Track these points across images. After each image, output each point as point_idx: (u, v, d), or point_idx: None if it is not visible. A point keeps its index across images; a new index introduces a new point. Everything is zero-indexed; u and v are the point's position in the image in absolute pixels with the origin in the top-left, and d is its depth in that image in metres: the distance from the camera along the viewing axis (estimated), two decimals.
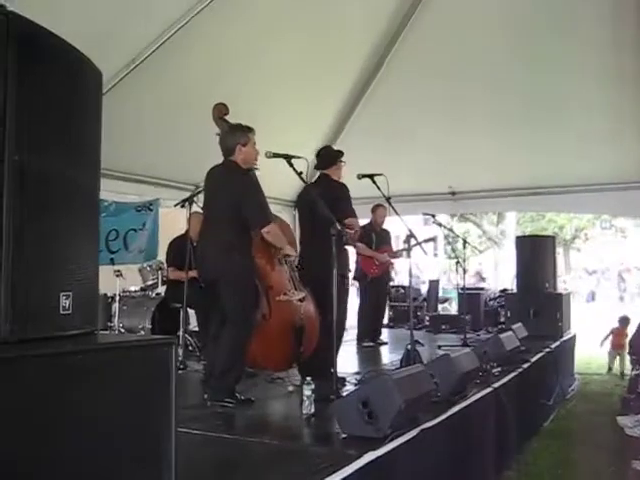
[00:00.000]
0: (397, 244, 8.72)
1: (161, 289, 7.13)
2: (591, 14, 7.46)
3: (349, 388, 4.70)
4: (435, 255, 34.84)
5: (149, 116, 6.98)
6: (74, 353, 1.64)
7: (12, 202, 1.65)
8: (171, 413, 1.87)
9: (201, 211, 5.81)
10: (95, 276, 2.00)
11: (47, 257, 1.76)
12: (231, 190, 4.31)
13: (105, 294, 7.11)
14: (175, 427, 1.88)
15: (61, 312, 1.78)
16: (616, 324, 9.34)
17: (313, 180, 5.47)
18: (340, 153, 5.55)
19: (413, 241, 5.59)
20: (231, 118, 4.90)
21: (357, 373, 5.60)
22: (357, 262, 8.08)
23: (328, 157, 5.47)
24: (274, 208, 7.22)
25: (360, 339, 8.03)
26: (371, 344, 7.97)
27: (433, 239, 7.74)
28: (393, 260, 8.48)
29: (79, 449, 1.64)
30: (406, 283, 10.29)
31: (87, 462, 1.65)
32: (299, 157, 4.36)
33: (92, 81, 1.96)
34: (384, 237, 8.36)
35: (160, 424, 1.85)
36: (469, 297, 9.45)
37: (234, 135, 4.46)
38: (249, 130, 4.48)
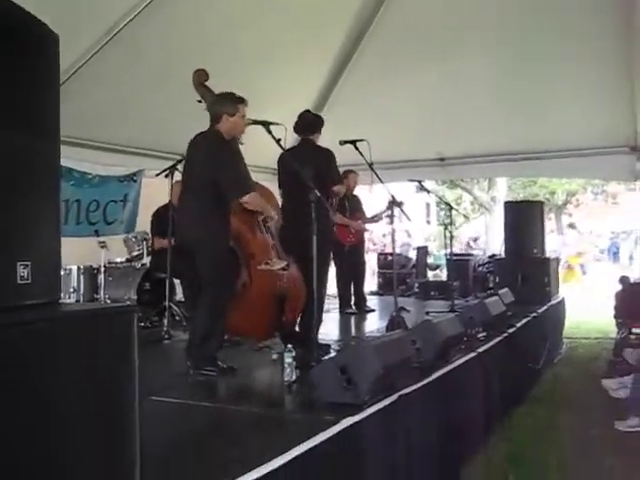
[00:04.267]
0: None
1: (147, 260, 7.12)
2: None
3: (333, 355, 4.74)
4: (428, 222, 34.92)
5: (132, 85, 6.87)
6: (30, 322, 1.63)
7: None
8: (134, 383, 1.87)
9: None
10: (57, 246, 1.98)
11: (3, 227, 1.74)
12: (209, 158, 4.29)
13: (90, 266, 7.09)
14: (138, 397, 1.88)
15: (19, 282, 1.76)
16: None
17: (295, 145, 5.43)
18: (322, 119, 5.52)
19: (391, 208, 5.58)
20: (212, 86, 4.85)
21: (341, 340, 5.64)
22: None
23: (313, 122, 5.42)
24: (259, 177, 7.20)
25: (342, 307, 8.06)
26: (354, 311, 8.01)
27: (399, 204, 7.61)
28: (367, 227, 8.46)
29: (34, 419, 1.64)
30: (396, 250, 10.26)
31: (41, 433, 1.65)
32: (277, 123, 4.34)
33: (45, 43, 1.92)
34: (356, 204, 8.31)
35: (123, 394, 1.85)
36: (458, 263, 9.48)
37: (222, 103, 4.42)
38: (240, 101, 4.42)
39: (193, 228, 4.32)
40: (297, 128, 5.31)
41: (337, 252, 8.11)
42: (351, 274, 8.19)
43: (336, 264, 8.17)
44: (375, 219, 8.34)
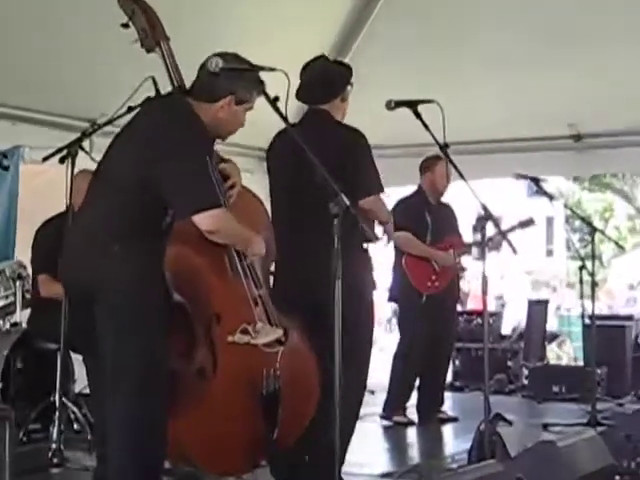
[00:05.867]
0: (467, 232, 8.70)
1: (22, 315, 7.15)
2: None
3: None
4: (549, 253, 34.90)
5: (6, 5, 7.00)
6: None
7: None
8: None
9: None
10: None
11: None
12: (153, 144, 4.35)
13: None
14: None
15: None
16: None
17: (299, 120, 5.48)
18: (348, 71, 5.57)
19: (490, 227, 5.57)
20: (175, 18, 4.92)
21: (387, 475, 5.66)
22: (399, 268, 8.14)
23: (326, 81, 5.47)
24: (241, 162, 7.28)
25: (389, 409, 8.13)
26: (408, 420, 8.11)
27: (529, 222, 7.59)
28: (465, 262, 8.56)
29: None
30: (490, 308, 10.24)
31: None
32: (273, 69, 4.36)
33: None
34: (446, 218, 8.46)
35: None
36: (605, 333, 9.43)
37: (232, 79, 4.48)
38: (260, 84, 4.52)
39: (93, 257, 4.36)
40: (302, 89, 5.35)
41: (406, 306, 8.17)
42: (425, 352, 8.25)
43: (403, 328, 8.20)
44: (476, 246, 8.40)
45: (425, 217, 8.04)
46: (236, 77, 4.47)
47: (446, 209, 8.49)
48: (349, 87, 5.51)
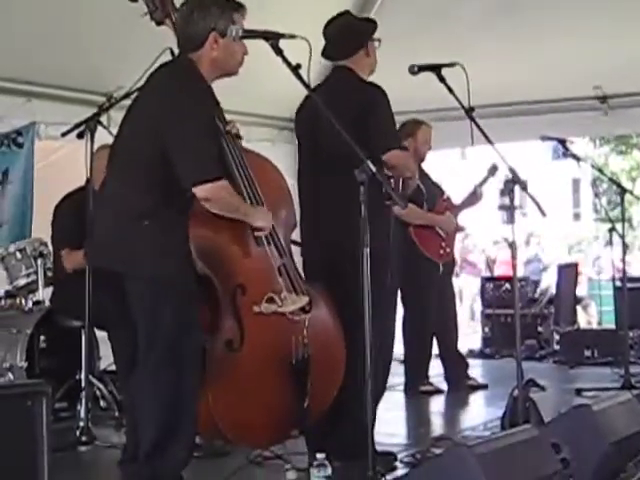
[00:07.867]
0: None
1: (44, 293, 7.15)
2: None
3: (400, 473, 4.75)
4: (576, 217, 34.64)
5: None
6: None
7: None
8: None
9: None
10: None
11: None
12: (166, 112, 4.36)
13: None
14: None
15: None
16: None
17: (322, 80, 5.47)
18: (372, 25, 5.55)
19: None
20: None
21: (416, 445, 5.72)
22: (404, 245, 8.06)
23: (349, 33, 5.44)
24: (258, 132, 7.26)
25: (412, 380, 8.17)
26: (434, 388, 8.17)
27: (494, 168, 7.52)
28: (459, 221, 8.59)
29: None
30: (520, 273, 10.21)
31: None
32: (293, 36, 4.33)
33: None
34: (429, 183, 8.42)
35: None
36: (636, 296, 9.40)
37: (204, 13, 4.44)
38: (238, 7, 4.49)
39: (124, 236, 4.37)
40: (326, 45, 5.35)
41: (423, 282, 8.19)
42: (438, 320, 8.32)
43: (406, 302, 8.18)
44: (470, 203, 8.39)
45: (419, 185, 7.96)
46: (207, 13, 4.41)
47: (425, 175, 8.33)
48: (376, 43, 5.47)
